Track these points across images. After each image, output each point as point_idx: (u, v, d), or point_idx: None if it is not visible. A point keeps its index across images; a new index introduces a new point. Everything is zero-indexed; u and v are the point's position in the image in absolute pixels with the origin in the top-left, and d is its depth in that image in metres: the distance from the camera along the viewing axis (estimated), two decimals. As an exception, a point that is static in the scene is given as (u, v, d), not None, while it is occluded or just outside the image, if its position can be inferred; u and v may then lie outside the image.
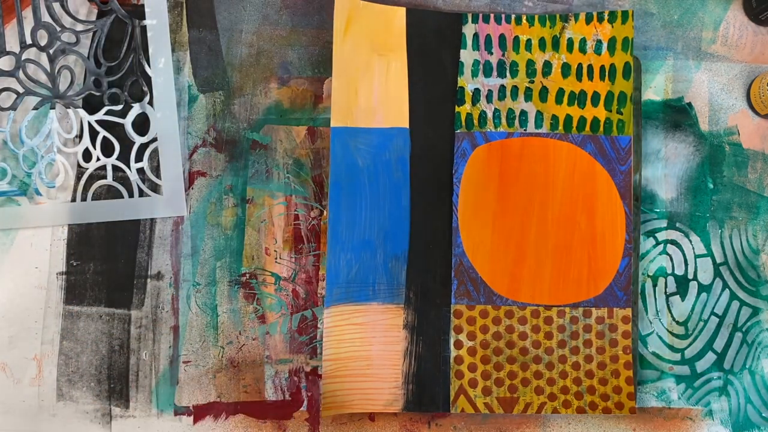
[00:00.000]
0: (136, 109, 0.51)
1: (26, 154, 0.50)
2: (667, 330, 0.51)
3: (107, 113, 0.51)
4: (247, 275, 0.50)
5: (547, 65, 0.51)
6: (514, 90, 0.51)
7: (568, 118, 0.51)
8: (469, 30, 0.51)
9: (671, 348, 0.50)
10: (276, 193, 0.51)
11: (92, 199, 0.50)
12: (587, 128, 0.50)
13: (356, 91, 0.50)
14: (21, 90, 0.50)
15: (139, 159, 0.51)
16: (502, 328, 0.49)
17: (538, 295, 0.49)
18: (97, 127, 0.51)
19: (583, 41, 0.51)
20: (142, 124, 0.51)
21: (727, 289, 0.51)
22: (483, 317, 0.49)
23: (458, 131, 0.50)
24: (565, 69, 0.51)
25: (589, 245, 0.49)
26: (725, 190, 0.52)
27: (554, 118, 0.51)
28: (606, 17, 0.51)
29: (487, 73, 0.51)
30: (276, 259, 0.50)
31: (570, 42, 0.51)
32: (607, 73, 0.51)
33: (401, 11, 0.51)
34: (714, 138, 0.52)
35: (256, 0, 0.52)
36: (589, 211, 0.50)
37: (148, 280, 0.50)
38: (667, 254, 0.51)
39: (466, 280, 0.49)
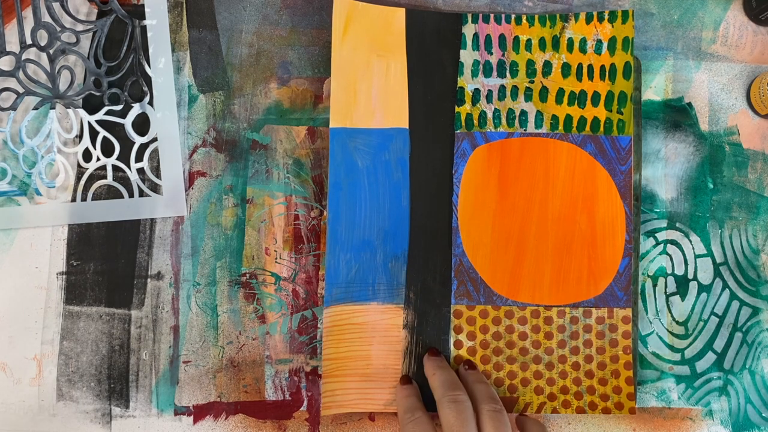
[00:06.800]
0: (136, 109, 0.51)
1: (26, 154, 0.50)
2: (667, 330, 0.50)
3: (107, 113, 0.51)
4: (247, 275, 0.50)
5: (547, 65, 0.51)
6: (514, 90, 0.51)
7: (568, 118, 0.51)
8: (469, 30, 0.51)
9: (671, 348, 0.50)
10: (276, 193, 0.51)
11: (92, 199, 0.51)
12: (587, 128, 0.50)
13: (355, 92, 0.50)
14: (21, 90, 0.50)
15: (139, 159, 0.51)
16: (501, 328, 0.49)
17: (538, 296, 0.49)
18: (97, 127, 0.51)
19: (583, 41, 0.51)
20: (142, 124, 0.51)
21: (727, 289, 0.51)
22: (483, 317, 0.49)
23: (458, 131, 0.50)
24: (565, 69, 0.51)
25: (589, 245, 0.49)
26: (725, 190, 0.52)
27: (554, 118, 0.51)
28: (606, 17, 0.51)
29: (487, 74, 0.51)
30: (276, 259, 0.50)
31: (570, 42, 0.51)
32: (607, 73, 0.51)
33: (401, 12, 0.51)
34: (714, 138, 0.52)
35: (256, 0, 0.52)
36: (589, 211, 0.50)
37: (148, 280, 0.50)
38: (667, 254, 0.51)
39: (466, 280, 0.49)
